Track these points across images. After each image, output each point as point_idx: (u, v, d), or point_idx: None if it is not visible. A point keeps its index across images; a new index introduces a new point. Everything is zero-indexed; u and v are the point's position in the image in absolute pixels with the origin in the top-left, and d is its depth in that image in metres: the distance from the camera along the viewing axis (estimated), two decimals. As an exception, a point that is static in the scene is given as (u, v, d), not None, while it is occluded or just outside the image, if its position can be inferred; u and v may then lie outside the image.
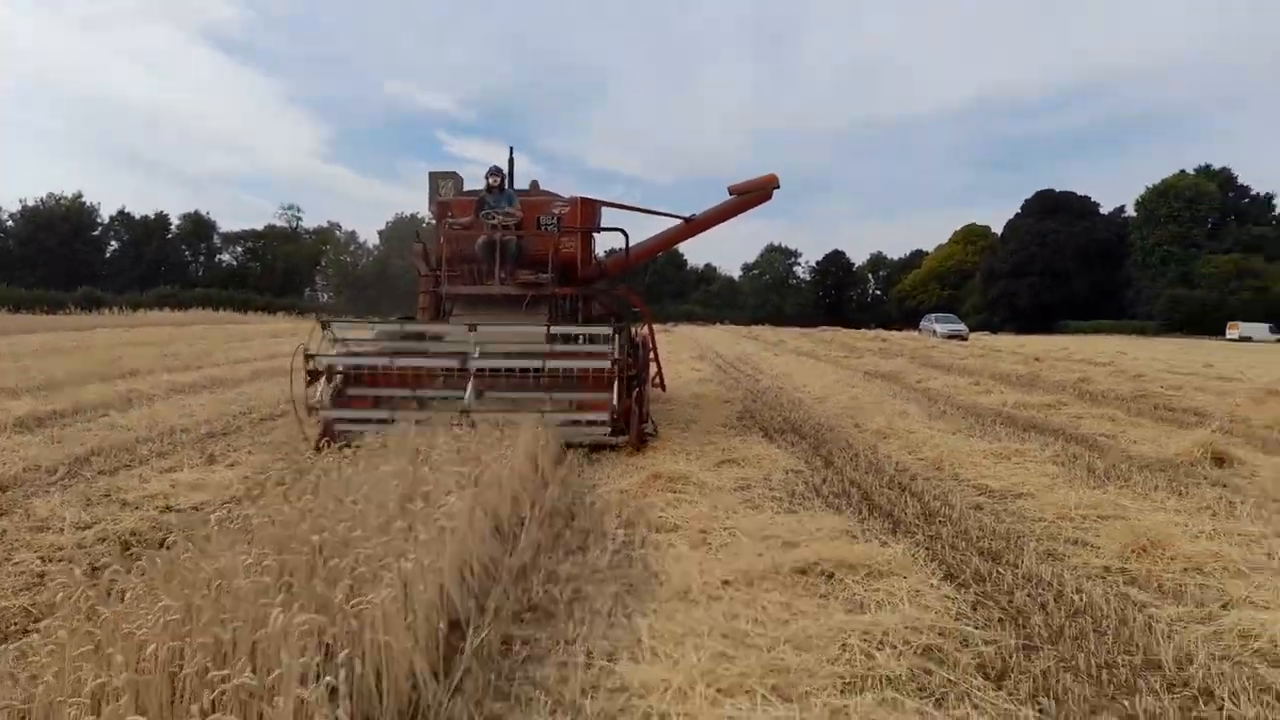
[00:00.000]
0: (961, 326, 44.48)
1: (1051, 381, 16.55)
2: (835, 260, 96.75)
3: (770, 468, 7.49)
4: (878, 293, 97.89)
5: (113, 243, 74.63)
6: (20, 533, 5.20)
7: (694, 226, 11.08)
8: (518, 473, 6.04)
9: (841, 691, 3.21)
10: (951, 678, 3.38)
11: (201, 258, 76.89)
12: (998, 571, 4.76)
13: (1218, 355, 30.92)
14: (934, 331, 42.56)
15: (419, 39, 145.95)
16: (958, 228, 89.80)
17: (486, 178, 9.72)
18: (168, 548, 4.25)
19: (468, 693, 3.22)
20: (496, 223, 9.47)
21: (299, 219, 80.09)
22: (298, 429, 8.36)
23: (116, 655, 2.63)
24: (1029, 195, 78.82)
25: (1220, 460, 7.95)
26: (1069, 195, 75.74)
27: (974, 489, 6.92)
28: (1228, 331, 61.20)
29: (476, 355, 8.29)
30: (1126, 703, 3.25)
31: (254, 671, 2.63)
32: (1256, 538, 5.33)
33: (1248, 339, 57.07)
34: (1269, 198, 78.07)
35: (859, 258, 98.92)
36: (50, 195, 71.99)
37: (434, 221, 10.62)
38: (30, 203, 71.30)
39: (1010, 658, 3.62)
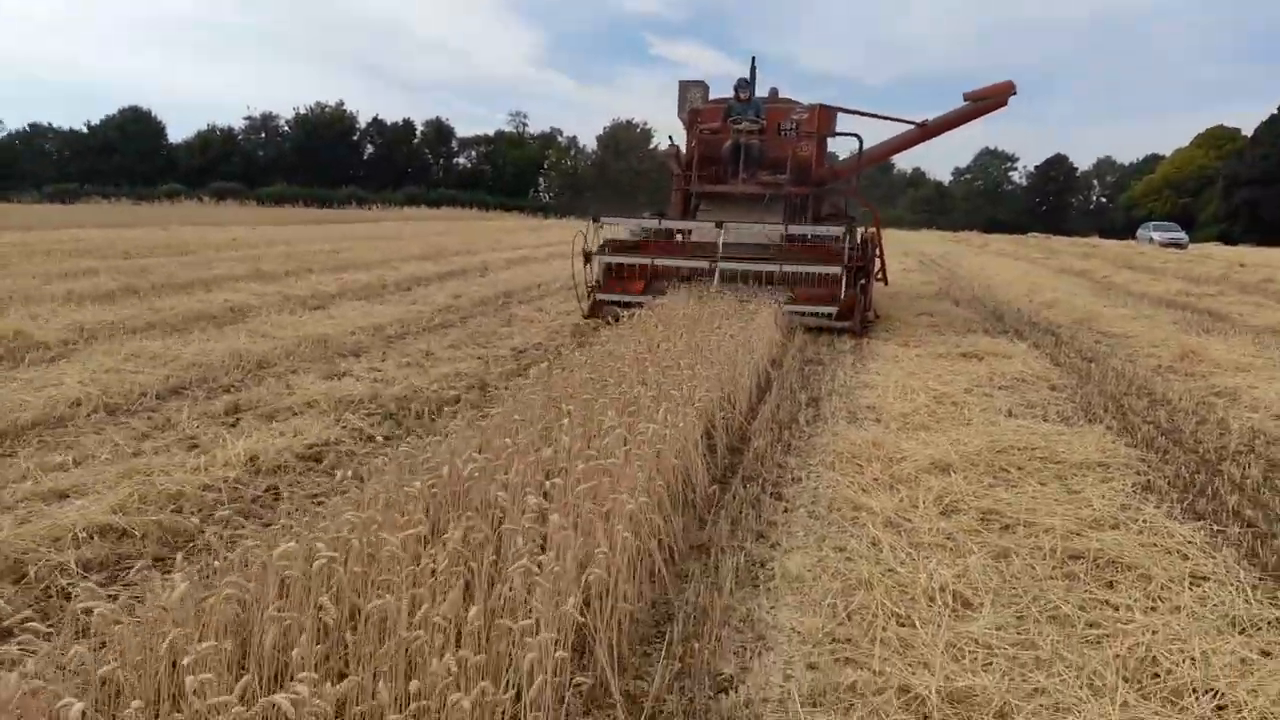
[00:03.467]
0: (1181, 235, 42.92)
1: (1235, 281, 18.09)
2: (1057, 165, 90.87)
3: (953, 318, 10.78)
4: (1104, 199, 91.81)
5: (369, 147, 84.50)
6: (518, 322, 9.53)
7: (928, 131, 11.53)
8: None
9: (966, 390, 6.69)
10: (1029, 386, 6.78)
11: (442, 160, 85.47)
12: (1086, 364, 7.97)
13: None
14: (1150, 239, 41.73)
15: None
16: (1202, 130, 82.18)
17: (735, 90, 10.92)
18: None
19: (786, 374, 6.99)
20: (742, 129, 10.64)
21: (525, 125, 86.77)
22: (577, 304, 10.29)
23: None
24: (1292, 91, 71.10)
25: (1318, 328, 10.34)
26: (1340, 91, 67.78)
27: (1100, 334, 9.91)
28: None
29: (721, 256, 9.60)
30: (1122, 401, 6.51)
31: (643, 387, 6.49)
32: (1276, 356, 8.15)
33: None
34: None
35: (1084, 163, 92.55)
36: (318, 104, 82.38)
37: (684, 127, 11.75)
38: (302, 110, 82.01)
39: (1067, 386, 6.94)
